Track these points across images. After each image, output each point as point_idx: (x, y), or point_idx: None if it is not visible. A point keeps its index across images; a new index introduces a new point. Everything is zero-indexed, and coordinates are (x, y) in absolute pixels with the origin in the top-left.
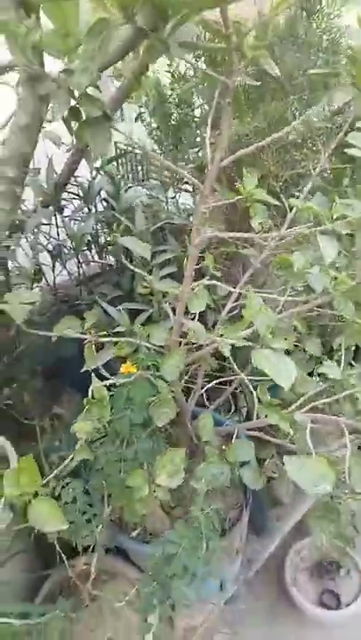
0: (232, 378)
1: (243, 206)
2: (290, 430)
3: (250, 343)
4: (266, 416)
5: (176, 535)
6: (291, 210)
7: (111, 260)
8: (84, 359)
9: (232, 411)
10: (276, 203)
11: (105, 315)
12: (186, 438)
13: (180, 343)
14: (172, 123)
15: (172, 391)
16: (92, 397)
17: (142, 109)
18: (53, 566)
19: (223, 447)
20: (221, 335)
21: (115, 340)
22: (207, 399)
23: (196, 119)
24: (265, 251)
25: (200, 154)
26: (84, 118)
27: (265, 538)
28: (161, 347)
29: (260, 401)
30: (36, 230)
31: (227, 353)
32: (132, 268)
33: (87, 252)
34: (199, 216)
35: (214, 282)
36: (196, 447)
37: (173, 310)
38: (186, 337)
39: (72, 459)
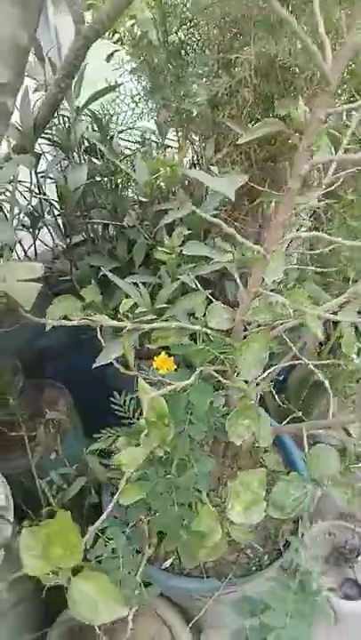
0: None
1: (277, 146)
2: None
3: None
4: None
5: (277, 599)
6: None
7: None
8: (70, 347)
9: None
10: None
11: (101, 293)
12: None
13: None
14: (174, 45)
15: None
16: (148, 415)
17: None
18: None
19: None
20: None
21: (155, 326)
22: None
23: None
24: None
25: (213, 82)
26: None
27: None
28: (225, 332)
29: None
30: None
31: (320, 333)
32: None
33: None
34: (316, 126)
35: (316, 233)
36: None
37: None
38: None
39: (115, 503)
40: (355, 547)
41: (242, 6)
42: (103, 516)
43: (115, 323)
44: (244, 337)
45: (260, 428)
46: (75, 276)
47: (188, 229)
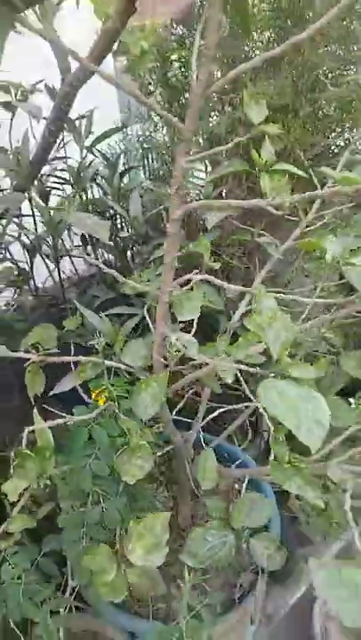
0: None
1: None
2: (320, 503)
3: (257, 370)
4: (282, 481)
5: None
6: (322, 187)
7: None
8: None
9: (249, 438)
10: (301, 173)
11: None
12: (188, 486)
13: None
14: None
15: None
16: (30, 445)
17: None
18: None
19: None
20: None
21: (65, 359)
22: (218, 421)
23: None
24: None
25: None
26: None
27: (290, 584)
28: (147, 368)
29: (275, 458)
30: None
31: (229, 379)
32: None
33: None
34: (179, 172)
35: (208, 277)
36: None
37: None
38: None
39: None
40: None
41: (241, 47)
42: None
43: (23, 355)
44: None
45: (205, 473)
46: (70, 304)
47: (182, 263)
